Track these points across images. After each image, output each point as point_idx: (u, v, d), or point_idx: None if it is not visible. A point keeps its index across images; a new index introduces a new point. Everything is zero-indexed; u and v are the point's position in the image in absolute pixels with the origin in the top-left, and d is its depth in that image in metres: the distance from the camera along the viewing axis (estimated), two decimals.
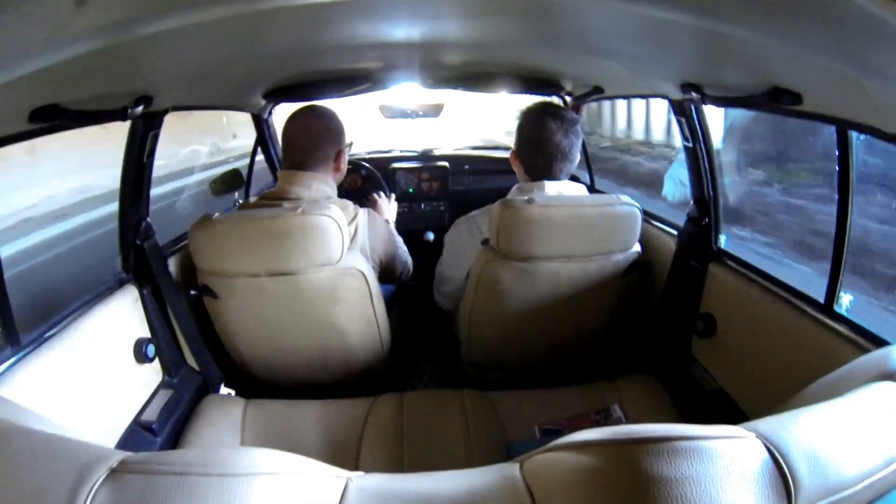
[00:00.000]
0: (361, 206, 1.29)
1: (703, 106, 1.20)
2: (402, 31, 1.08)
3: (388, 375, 1.38)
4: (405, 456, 1.02)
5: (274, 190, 1.18)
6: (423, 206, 2.25)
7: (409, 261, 1.43)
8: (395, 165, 2.21)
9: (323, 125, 1.18)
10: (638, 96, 1.59)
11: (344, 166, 1.25)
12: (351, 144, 1.28)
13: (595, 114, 6.75)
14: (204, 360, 1.37)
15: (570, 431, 1.25)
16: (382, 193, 1.83)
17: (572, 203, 1.12)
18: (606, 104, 6.61)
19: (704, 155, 1.27)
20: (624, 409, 1.17)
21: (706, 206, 1.29)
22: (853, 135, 0.88)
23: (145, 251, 1.22)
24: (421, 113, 2.23)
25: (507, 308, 1.20)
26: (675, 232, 1.42)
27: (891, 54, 0.56)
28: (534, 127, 1.20)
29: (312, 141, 1.16)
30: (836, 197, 0.93)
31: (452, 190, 2.24)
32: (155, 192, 1.25)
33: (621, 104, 6.62)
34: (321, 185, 1.17)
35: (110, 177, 1.49)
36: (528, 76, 1.60)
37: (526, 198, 1.11)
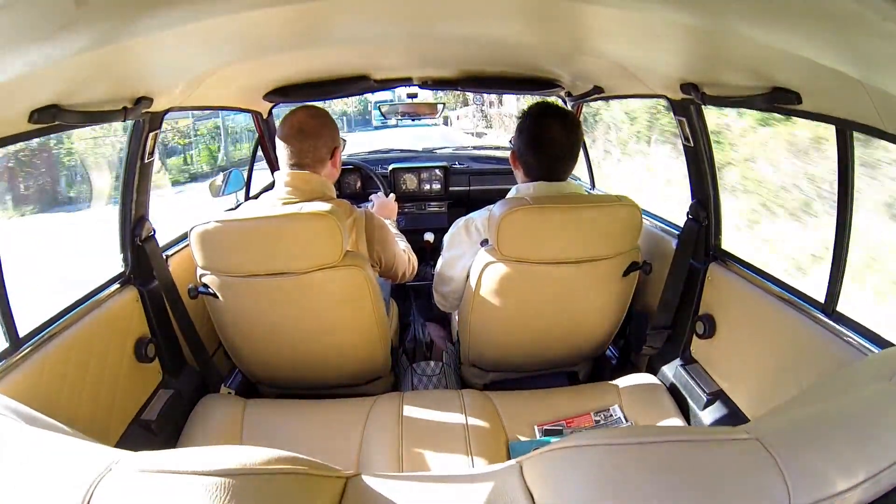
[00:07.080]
0: (361, 206, 1.29)
1: (703, 106, 1.20)
2: (403, 31, 1.07)
3: (388, 375, 1.38)
4: (405, 456, 1.01)
5: (273, 190, 1.18)
6: (423, 206, 2.25)
7: (414, 259, 1.42)
8: (395, 166, 2.21)
9: (317, 124, 1.18)
10: (638, 96, 1.59)
11: (339, 164, 1.25)
12: (345, 143, 1.27)
13: None
14: (204, 360, 1.37)
15: (570, 431, 1.25)
16: (382, 193, 1.83)
17: (572, 204, 1.12)
18: None
19: (705, 155, 1.27)
20: (624, 409, 1.17)
21: (706, 206, 1.29)
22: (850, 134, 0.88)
23: (146, 251, 1.22)
24: (420, 113, 2.23)
25: (507, 309, 1.20)
26: (675, 232, 1.42)
27: (891, 54, 0.56)
28: (534, 127, 1.19)
29: (308, 140, 1.16)
30: (837, 197, 0.93)
31: (452, 190, 2.24)
32: None
33: None
34: (319, 184, 1.17)
35: None
36: (527, 76, 1.60)
37: (526, 199, 1.11)
